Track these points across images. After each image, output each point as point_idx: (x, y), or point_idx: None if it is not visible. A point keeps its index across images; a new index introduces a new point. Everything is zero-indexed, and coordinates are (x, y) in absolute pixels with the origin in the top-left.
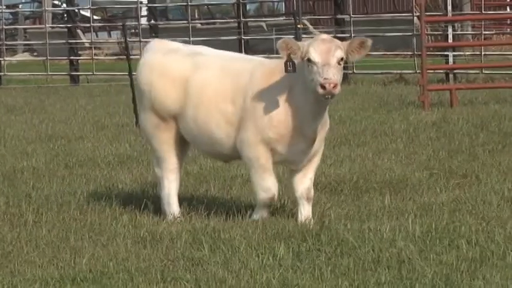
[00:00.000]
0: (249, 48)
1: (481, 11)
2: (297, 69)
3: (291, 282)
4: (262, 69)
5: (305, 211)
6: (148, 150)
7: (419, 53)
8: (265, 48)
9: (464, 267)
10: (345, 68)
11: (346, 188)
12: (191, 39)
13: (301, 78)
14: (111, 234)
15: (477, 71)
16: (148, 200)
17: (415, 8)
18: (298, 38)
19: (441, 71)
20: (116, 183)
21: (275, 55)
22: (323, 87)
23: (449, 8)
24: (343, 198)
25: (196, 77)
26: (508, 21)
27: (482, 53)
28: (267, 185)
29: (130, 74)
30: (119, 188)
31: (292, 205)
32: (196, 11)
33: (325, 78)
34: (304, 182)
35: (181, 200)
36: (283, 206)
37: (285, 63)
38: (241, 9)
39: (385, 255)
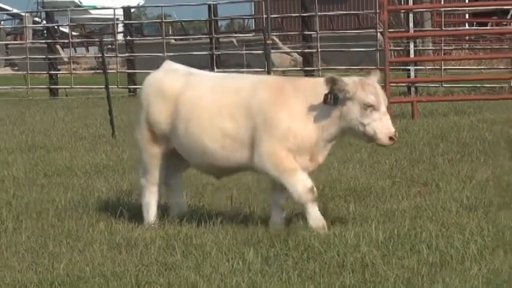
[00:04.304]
0: (220, 63)
1: (441, 28)
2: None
3: (260, 285)
4: (266, 86)
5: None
6: (123, 160)
7: (383, 67)
8: (236, 63)
9: (424, 271)
10: None
11: None
12: (165, 54)
13: (333, 110)
14: (88, 241)
15: (437, 85)
16: (123, 207)
17: (379, 24)
18: (267, 53)
19: (403, 84)
20: (92, 192)
21: (245, 69)
22: (392, 139)
23: (411, 24)
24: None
25: (187, 94)
26: (467, 38)
27: (442, 67)
28: (301, 178)
29: (107, 88)
30: (96, 196)
31: (260, 212)
32: (170, 27)
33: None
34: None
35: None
36: (252, 213)
37: (326, 95)
38: (213, 26)
39: (349, 260)
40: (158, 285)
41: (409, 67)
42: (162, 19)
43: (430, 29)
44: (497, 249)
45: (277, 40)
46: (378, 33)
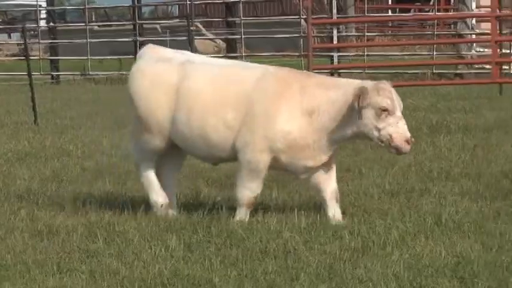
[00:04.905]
0: None
1: (364, 14)
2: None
3: (182, 272)
4: (271, 77)
5: (336, 212)
6: (46, 147)
7: (306, 53)
8: None
9: (347, 256)
10: None
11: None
12: (88, 40)
13: (343, 115)
14: (9, 228)
15: (360, 71)
16: (45, 195)
17: (302, 11)
18: (191, 40)
19: (326, 70)
20: (14, 179)
21: None
22: (408, 143)
23: (335, 11)
24: (232, 192)
25: (187, 84)
26: (390, 24)
27: (365, 53)
28: (254, 187)
29: (29, 74)
30: (17, 184)
31: (183, 198)
32: (93, 13)
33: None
34: (330, 184)
35: (76, 195)
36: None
37: (357, 110)
38: (136, 12)
39: (272, 246)
40: (80, 272)
41: (332, 53)
42: (85, 5)
43: (353, 15)
44: (419, 235)
45: (201, 26)
46: (302, 20)
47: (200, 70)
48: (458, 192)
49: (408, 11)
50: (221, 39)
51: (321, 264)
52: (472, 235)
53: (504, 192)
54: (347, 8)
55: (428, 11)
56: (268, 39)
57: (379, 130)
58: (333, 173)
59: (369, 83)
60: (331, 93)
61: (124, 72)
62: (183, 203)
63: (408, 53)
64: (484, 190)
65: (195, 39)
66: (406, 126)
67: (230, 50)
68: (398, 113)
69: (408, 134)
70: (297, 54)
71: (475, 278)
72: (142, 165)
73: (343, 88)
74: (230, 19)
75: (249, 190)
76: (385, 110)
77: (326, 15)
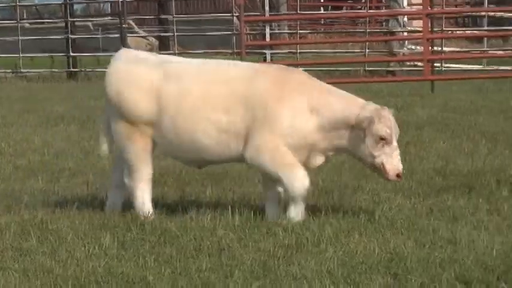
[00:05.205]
0: (76, 47)
1: (297, 11)
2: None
3: (116, 270)
4: (266, 77)
5: (275, 212)
6: None
7: (239, 50)
8: (92, 47)
9: (280, 253)
10: None
11: (170, 180)
12: (20, 38)
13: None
14: None
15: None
16: None
17: (235, 8)
18: (123, 37)
19: None
20: None
21: (101, 53)
22: (399, 176)
23: (267, 8)
24: (166, 190)
25: (170, 86)
26: (322, 21)
27: (298, 50)
28: (301, 176)
29: None
30: None
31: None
32: (24, 11)
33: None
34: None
35: (8, 193)
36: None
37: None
38: (68, 10)
39: (206, 244)
40: (13, 270)
41: (265, 50)
42: (16, 2)
43: (286, 12)
44: (352, 232)
45: (133, 24)
46: (234, 17)
47: (184, 70)
48: (391, 189)
49: (340, 8)
50: (153, 36)
51: (255, 261)
52: (405, 232)
53: (436, 189)
54: (279, 5)
55: (360, 9)
56: (201, 36)
57: (374, 157)
58: None
59: (370, 108)
60: (332, 99)
61: (56, 70)
62: None
63: (341, 50)
64: (417, 187)
65: (128, 36)
66: (399, 157)
67: (163, 47)
68: (395, 143)
69: (401, 167)
70: (229, 51)
71: (408, 274)
72: (138, 189)
73: (346, 101)
74: (162, 16)
75: (299, 183)
76: (383, 139)
77: (259, 13)
